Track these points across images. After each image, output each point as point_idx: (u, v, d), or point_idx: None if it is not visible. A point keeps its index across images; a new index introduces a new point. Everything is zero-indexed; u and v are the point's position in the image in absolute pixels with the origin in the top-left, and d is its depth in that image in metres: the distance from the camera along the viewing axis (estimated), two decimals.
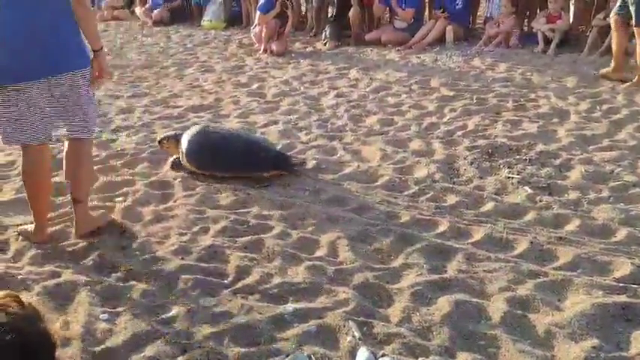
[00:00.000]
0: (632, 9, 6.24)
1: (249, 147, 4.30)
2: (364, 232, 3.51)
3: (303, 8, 11.17)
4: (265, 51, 8.95)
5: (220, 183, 4.22)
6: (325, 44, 9.49)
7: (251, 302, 2.86)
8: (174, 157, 4.43)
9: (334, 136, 5.23)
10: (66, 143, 3.48)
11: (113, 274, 3.09)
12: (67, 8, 3.22)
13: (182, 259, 3.24)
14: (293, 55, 8.88)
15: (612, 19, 6.68)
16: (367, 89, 6.76)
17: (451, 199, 3.92)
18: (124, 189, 4.16)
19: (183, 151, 4.29)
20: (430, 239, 3.40)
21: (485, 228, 3.52)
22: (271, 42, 8.98)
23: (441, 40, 9.14)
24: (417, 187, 4.11)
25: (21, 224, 3.61)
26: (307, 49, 9.36)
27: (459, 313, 2.73)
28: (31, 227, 3.51)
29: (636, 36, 6.36)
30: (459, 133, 5.20)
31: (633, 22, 6.29)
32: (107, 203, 3.94)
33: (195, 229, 3.59)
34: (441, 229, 3.54)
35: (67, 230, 3.55)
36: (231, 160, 4.23)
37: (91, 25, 3.37)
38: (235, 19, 11.86)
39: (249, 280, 3.05)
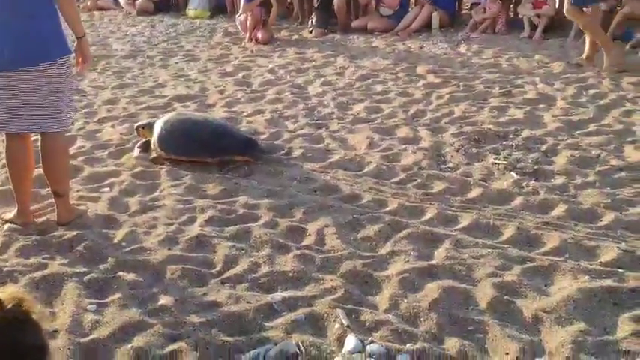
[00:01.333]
0: None
1: (216, 132, 4.37)
2: (352, 220, 3.51)
3: None
4: (251, 40, 8.90)
5: (208, 173, 4.20)
6: (311, 32, 9.45)
7: (239, 291, 2.85)
8: (143, 140, 4.51)
9: (321, 124, 5.22)
10: (40, 136, 3.45)
11: (101, 265, 3.07)
12: (50, 3, 3.20)
13: (169, 249, 3.23)
14: (279, 43, 8.84)
15: (568, 10, 6.54)
16: (353, 77, 6.75)
17: (438, 186, 3.93)
18: (110, 180, 4.14)
19: (155, 136, 4.37)
20: (418, 226, 3.41)
21: (473, 214, 3.53)
22: (256, 30, 8.92)
23: (427, 27, 9.13)
24: (404, 175, 4.11)
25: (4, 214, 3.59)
26: (293, 38, 9.31)
27: (447, 300, 2.74)
28: (14, 211, 3.52)
29: (566, 14, 6.58)
30: (446, 120, 5.20)
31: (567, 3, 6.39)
32: (93, 194, 3.91)
33: (183, 218, 3.58)
34: (429, 215, 3.55)
35: (53, 221, 3.53)
36: (199, 144, 4.30)
37: (74, 13, 3.36)
38: (220, 7, 11.76)
39: (237, 269, 3.05)
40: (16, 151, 3.42)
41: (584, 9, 6.49)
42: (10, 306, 1.39)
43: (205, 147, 4.31)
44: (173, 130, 4.34)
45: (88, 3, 12.78)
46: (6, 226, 3.46)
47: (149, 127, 4.52)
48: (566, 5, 6.54)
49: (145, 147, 4.49)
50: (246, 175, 4.18)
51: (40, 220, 3.57)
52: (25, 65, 3.20)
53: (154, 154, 4.42)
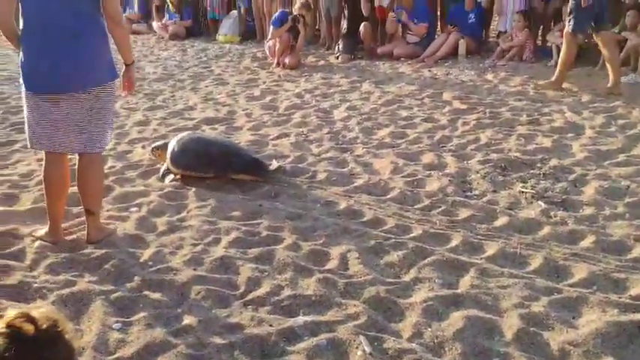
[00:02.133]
0: (570, 17, 6.64)
1: (223, 151, 4.56)
2: (376, 245, 3.50)
3: (317, 22, 11.24)
4: (278, 64, 9.01)
5: (233, 194, 4.24)
6: (338, 58, 9.53)
7: (262, 314, 2.86)
8: (164, 167, 4.62)
9: (345, 148, 5.24)
10: (77, 155, 3.54)
11: (127, 284, 3.10)
12: (98, 23, 3.33)
13: (194, 269, 3.25)
14: (306, 68, 8.93)
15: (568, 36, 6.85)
16: (379, 102, 6.78)
17: (464, 213, 3.91)
18: (139, 199, 4.18)
19: (169, 153, 4.51)
20: (442, 253, 3.39)
21: (499, 243, 3.51)
22: (284, 56, 9.03)
23: (453, 54, 9.16)
24: (428, 201, 4.10)
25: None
26: (320, 63, 9.40)
27: (472, 329, 2.71)
28: (45, 229, 3.59)
29: (565, 39, 6.86)
30: (472, 146, 5.19)
31: (567, 27, 6.71)
32: (122, 214, 3.96)
33: (208, 239, 3.60)
34: (454, 243, 3.53)
35: (82, 239, 3.58)
36: (207, 161, 4.48)
37: (126, 42, 3.55)
38: (250, 33, 11.96)
39: (260, 291, 3.06)
40: (54, 171, 3.50)
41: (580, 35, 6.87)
42: (44, 326, 1.41)
43: (212, 164, 4.47)
44: (184, 148, 4.49)
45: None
46: (36, 243, 3.51)
47: (164, 147, 4.67)
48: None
49: (167, 174, 4.59)
50: (271, 198, 4.21)
51: (70, 237, 3.62)
52: (73, 89, 3.30)
53: (166, 167, 4.60)
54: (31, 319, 1.40)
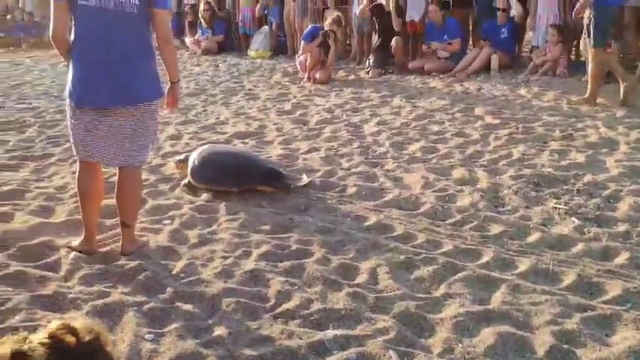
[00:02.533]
0: (590, 32, 6.67)
1: (242, 164, 4.61)
2: (406, 260, 3.49)
3: (348, 37, 11.31)
4: (309, 79, 9.07)
5: (263, 208, 4.27)
6: (368, 72, 9.56)
7: (292, 327, 2.87)
8: (186, 180, 4.70)
9: (376, 163, 5.25)
10: (117, 169, 3.62)
11: (159, 295, 3.14)
12: (148, 41, 3.44)
13: (225, 282, 3.28)
14: (336, 83, 8.98)
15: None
16: (409, 117, 6.78)
17: (495, 229, 3.88)
18: (172, 212, 4.24)
19: (189, 168, 4.61)
20: (474, 269, 3.36)
21: (531, 259, 3.47)
22: (315, 70, 9.09)
23: (485, 69, 9.12)
24: (460, 216, 4.08)
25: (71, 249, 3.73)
26: (350, 78, 9.44)
27: (503, 346, 2.69)
28: (80, 239, 3.67)
29: (590, 55, 6.86)
30: (504, 161, 5.15)
31: (589, 44, 6.77)
32: (155, 226, 4.02)
33: (238, 252, 3.63)
34: (485, 259, 3.50)
35: (116, 251, 3.63)
36: (225, 175, 4.53)
37: (174, 61, 3.65)
38: (281, 48, 12.08)
39: (290, 304, 3.07)
40: (87, 180, 3.59)
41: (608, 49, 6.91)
42: (86, 338, 1.42)
43: (231, 178, 4.51)
44: (204, 163, 4.56)
45: (155, 43, 13.26)
46: (71, 255, 3.58)
47: (186, 160, 4.75)
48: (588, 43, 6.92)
49: (189, 186, 4.67)
50: (301, 212, 4.23)
51: (104, 249, 3.68)
52: (120, 106, 3.39)
53: (185, 183, 4.70)
54: (72, 331, 1.41)
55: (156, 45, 3.54)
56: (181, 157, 4.96)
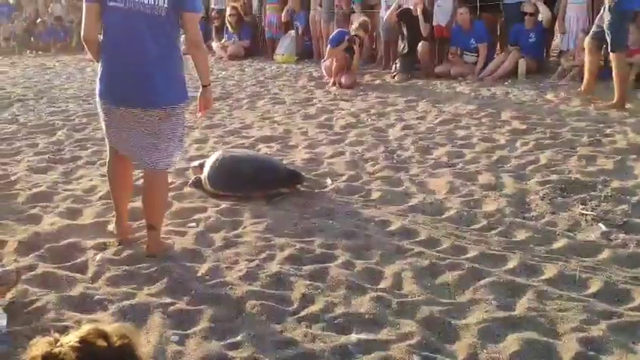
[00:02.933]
0: (607, 37, 6.69)
1: (258, 168, 4.63)
2: (430, 265, 3.48)
3: (374, 41, 11.30)
4: (334, 84, 9.08)
5: (287, 212, 4.29)
6: (394, 77, 9.55)
7: (315, 331, 2.87)
8: (195, 176, 4.78)
9: (400, 167, 5.23)
10: (143, 171, 3.69)
11: (184, 297, 3.17)
12: (175, 45, 3.49)
13: (249, 284, 3.30)
14: (362, 87, 8.98)
15: (587, 43, 7.20)
16: (435, 121, 6.75)
17: (521, 235, 3.85)
18: (197, 215, 4.27)
19: (205, 174, 4.65)
20: (499, 275, 3.34)
21: (557, 265, 3.43)
22: (340, 75, 9.10)
23: (513, 73, 9.05)
24: (485, 221, 4.05)
25: (104, 244, 3.82)
26: (376, 82, 9.44)
27: (528, 352, 2.66)
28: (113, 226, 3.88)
29: (612, 61, 6.83)
30: (531, 167, 5.10)
31: (608, 48, 6.78)
32: (180, 229, 4.06)
33: (263, 255, 3.65)
34: (511, 265, 3.47)
35: (142, 253, 3.67)
36: (243, 180, 4.56)
37: (204, 65, 3.68)
38: (307, 53, 12.12)
39: (313, 308, 3.07)
40: (116, 164, 3.72)
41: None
42: (117, 343, 1.43)
43: (249, 182, 4.54)
44: (219, 169, 4.59)
45: (183, 47, 13.39)
46: (98, 257, 3.63)
47: (201, 166, 4.78)
48: (588, 38, 7.14)
49: (197, 184, 4.75)
50: (325, 216, 4.23)
51: (130, 251, 3.72)
52: (146, 107, 3.45)
53: (192, 181, 4.78)
54: (103, 335, 1.43)
55: (185, 48, 3.58)
56: (196, 163, 4.99)
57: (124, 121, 3.50)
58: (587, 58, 7.33)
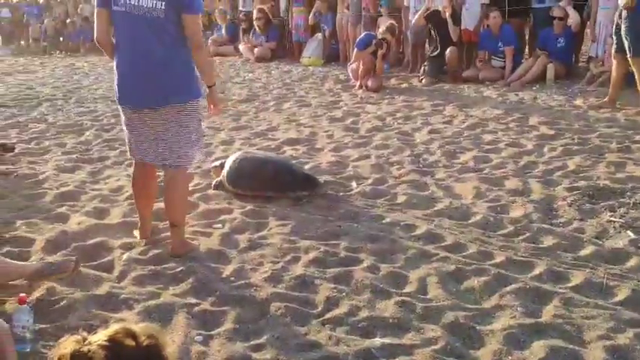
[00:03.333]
0: (625, 43, 6.64)
1: (277, 170, 4.70)
2: (456, 270, 3.45)
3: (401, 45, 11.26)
4: (361, 87, 9.07)
5: (312, 215, 4.29)
6: (421, 80, 9.51)
7: (339, 334, 2.87)
8: (217, 179, 4.82)
9: (426, 171, 5.21)
10: (163, 170, 3.77)
11: (209, 298, 3.19)
12: (181, 44, 3.50)
13: (274, 286, 3.31)
14: (388, 91, 8.96)
15: (614, 56, 7.14)
16: (462, 126, 6.71)
17: (548, 241, 3.80)
18: (222, 217, 4.30)
19: (225, 173, 4.72)
20: (525, 281, 3.30)
21: (585, 272, 3.39)
22: (367, 78, 9.09)
23: (541, 78, 8.95)
24: (512, 227, 4.01)
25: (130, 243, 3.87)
26: (403, 86, 9.41)
27: (554, 359, 2.63)
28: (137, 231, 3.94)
29: (633, 67, 6.77)
30: (559, 173, 5.04)
31: (629, 54, 6.70)
32: (206, 230, 4.08)
33: (287, 258, 3.66)
34: (537, 271, 3.43)
35: (167, 253, 3.71)
36: (261, 181, 4.63)
37: (207, 66, 3.73)
38: (333, 56, 12.13)
39: (337, 311, 3.07)
40: (138, 177, 3.81)
41: None
42: (145, 342, 1.44)
43: (267, 183, 4.60)
44: (239, 169, 4.67)
45: (210, 49, 13.52)
46: (124, 256, 3.67)
47: (221, 166, 4.84)
48: (614, 52, 7.05)
49: (219, 186, 4.81)
50: (350, 219, 4.23)
51: (155, 251, 3.75)
52: (156, 105, 3.50)
53: (216, 184, 4.82)
54: (132, 334, 1.44)
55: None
56: (217, 163, 5.04)
57: (138, 121, 3.57)
58: (614, 71, 7.22)
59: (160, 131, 3.55)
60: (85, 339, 1.43)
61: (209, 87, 3.74)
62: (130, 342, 1.42)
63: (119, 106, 3.67)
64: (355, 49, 9.44)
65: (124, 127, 3.71)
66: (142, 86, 3.49)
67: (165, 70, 3.47)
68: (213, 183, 4.86)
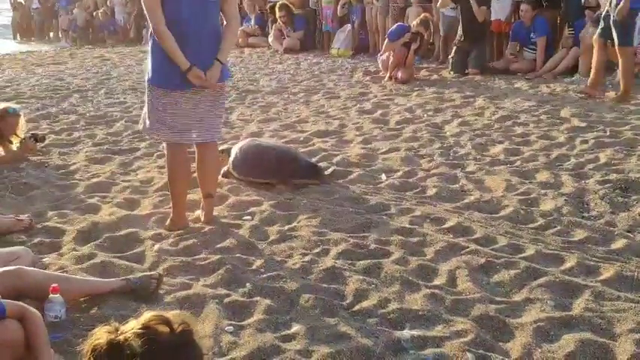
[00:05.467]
0: (614, 32, 6.78)
1: (281, 158, 4.80)
2: (486, 263, 3.44)
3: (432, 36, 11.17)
4: (390, 78, 9.02)
5: (342, 207, 4.30)
6: (451, 72, 9.42)
7: (368, 325, 2.89)
8: (224, 168, 4.87)
9: (456, 164, 5.18)
10: (195, 147, 3.98)
11: (240, 289, 3.23)
12: (219, 25, 3.79)
13: (303, 278, 3.34)
14: (418, 82, 8.90)
15: (595, 40, 7.27)
16: (493, 118, 6.65)
17: (579, 234, 3.77)
18: (252, 208, 4.33)
19: (230, 160, 4.83)
20: (556, 274, 3.28)
21: (615, 266, 3.35)
22: (397, 70, 9.02)
23: (573, 70, 8.82)
24: (543, 220, 3.98)
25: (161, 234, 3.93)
26: (433, 77, 9.35)
27: (584, 353, 2.62)
28: (168, 221, 4.01)
29: (619, 55, 6.97)
30: (590, 166, 4.98)
31: (616, 43, 6.86)
32: (236, 221, 4.12)
33: (317, 250, 3.68)
34: (568, 264, 3.41)
35: (198, 245, 3.76)
36: (265, 168, 4.73)
37: (232, 40, 3.98)
38: (362, 47, 12.08)
39: (367, 303, 3.09)
40: (178, 159, 3.91)
41: None
42: (179, 329, 1.46)
43: (271, 171, 4.71)
44: (245, 156, 4.77)
45: (239, 40, 13.54)
46: (156, 247, 3.73)
47: (227, 151, 4.93)
48: (595, 36, 7.25)
49: (227, 174, 4.88)
50: (380, 212, 4.23)
51: (186, 242, 3.80)
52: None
53: (225, 171, 4.87)
54: (166, 321, 1.46)
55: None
56: (224, 147, 5.06)
57: (183, 102, 3.73)
58: (595, 56, 7.34)
59: (204, 110, 3.79)
60: (116, 329, 1.46)
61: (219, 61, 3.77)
62: (164, 328, 1.44)
63: (158, 91, 3.74)
64: (386, 40, 9.37)
65: (157, 110, 3.77)
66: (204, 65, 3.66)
67: (210, 52, 3.69)
68: (222, 171, 4.88)
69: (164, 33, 3.60)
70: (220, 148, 5.05)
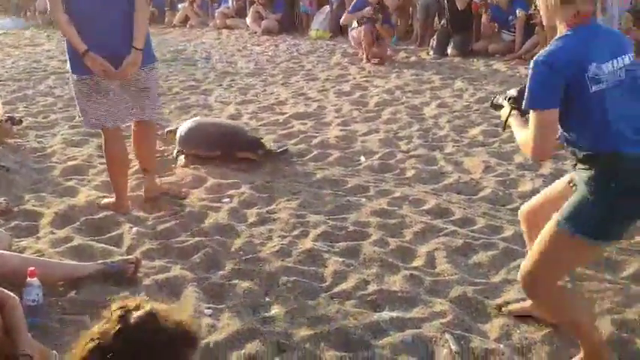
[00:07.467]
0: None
1: (224, 132, 5.06)
2: (464, 244, 3.46)
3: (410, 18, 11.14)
4: (368, 60, 8.98)
5: (321, 189, 4.29)
6: (429, 54, 9.42)
7: (348, 307, 2.89)
8: (177, 148, 5.02)
9: (435, 146, 5.19)
10: (132, 126, 4.07)
11: (218, 272, 3.21)
12: (131, 12, 3.74)
13: (282, 260, 3.32)
14: (396, 64, 8.88)
15: None
16: (471, 100, 6.66)
17: None
18: (231, 191, 4.30)
19: (177, 136, 5.01)
20: None
21: None
22: (372, 48, 8.98)
23: None
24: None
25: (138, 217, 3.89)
26: (411, 59, 9.33)
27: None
28: (112, 200, 4.02)
29: None
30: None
31: None
32: (215, 204, 4.09)
33: (296, 232, 3.67)
34: None
35: (176, 228, 3.72)
36: (210, 141, 4.93)
37: (142, 27, 3.80)
38: (341, 28, 11.99)
39: (346, 285, 3.09)
40: (113, 147, 3.93)
41: None
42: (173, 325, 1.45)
43: (211, 143, 4.91)
44: (188, 131, 4.96)
45: (217, 22, 13.40)
46: (134, 230, 3.69)
47: (173, 132, 5.15)
48: None
49: (180, 152, 4.97)
50: (358, 194, 4.22)
51: (165, 226, 3.76)
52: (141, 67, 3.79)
53: (177, 151, 5.01)
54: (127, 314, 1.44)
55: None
56: (171, 127, 5.32)
57: (106, 85, 3.74)
58: None
59: (132, 91, 3.83)
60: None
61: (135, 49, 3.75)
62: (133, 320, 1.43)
63: (83, 79, 3.74)
64: (346, 12, 9.31)
65: (84, 97, 3.79)
66: (121, 53, 3.68)
67: (126, 38, 3.69)
68: (175, 151, 4.99)
69: (60, 19, 3.65)
70: (167, 129, 5.31)
